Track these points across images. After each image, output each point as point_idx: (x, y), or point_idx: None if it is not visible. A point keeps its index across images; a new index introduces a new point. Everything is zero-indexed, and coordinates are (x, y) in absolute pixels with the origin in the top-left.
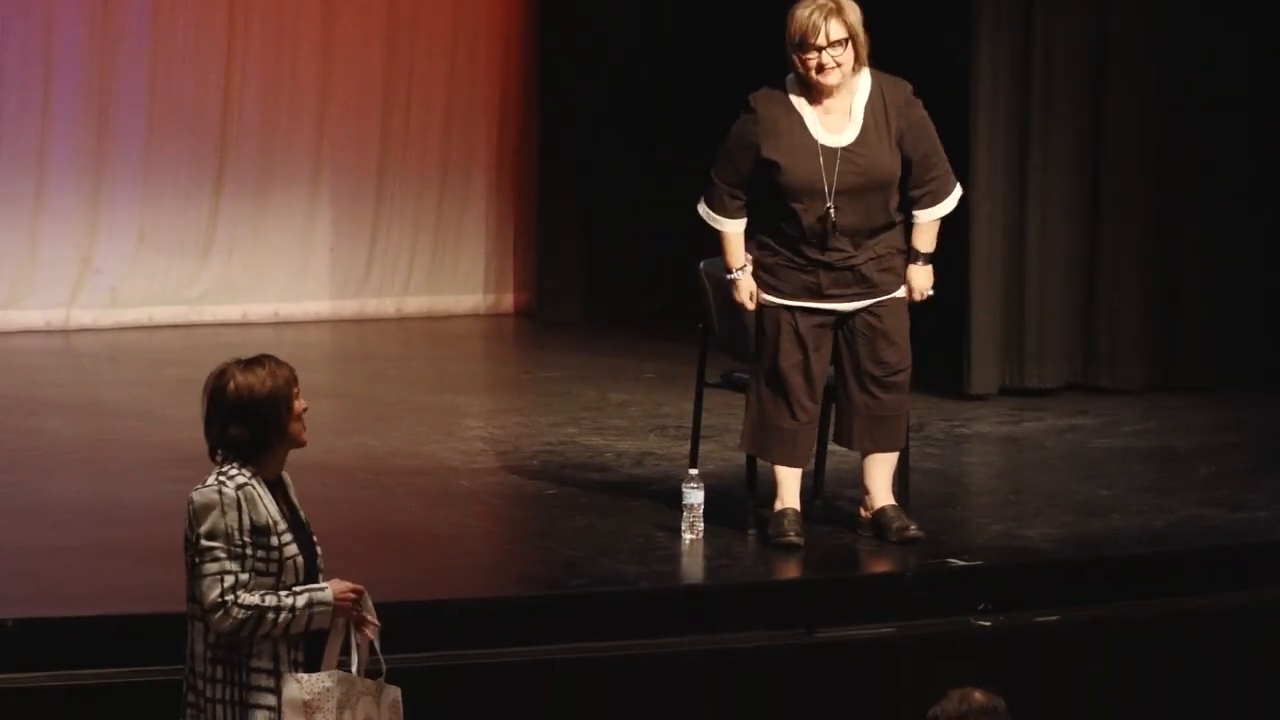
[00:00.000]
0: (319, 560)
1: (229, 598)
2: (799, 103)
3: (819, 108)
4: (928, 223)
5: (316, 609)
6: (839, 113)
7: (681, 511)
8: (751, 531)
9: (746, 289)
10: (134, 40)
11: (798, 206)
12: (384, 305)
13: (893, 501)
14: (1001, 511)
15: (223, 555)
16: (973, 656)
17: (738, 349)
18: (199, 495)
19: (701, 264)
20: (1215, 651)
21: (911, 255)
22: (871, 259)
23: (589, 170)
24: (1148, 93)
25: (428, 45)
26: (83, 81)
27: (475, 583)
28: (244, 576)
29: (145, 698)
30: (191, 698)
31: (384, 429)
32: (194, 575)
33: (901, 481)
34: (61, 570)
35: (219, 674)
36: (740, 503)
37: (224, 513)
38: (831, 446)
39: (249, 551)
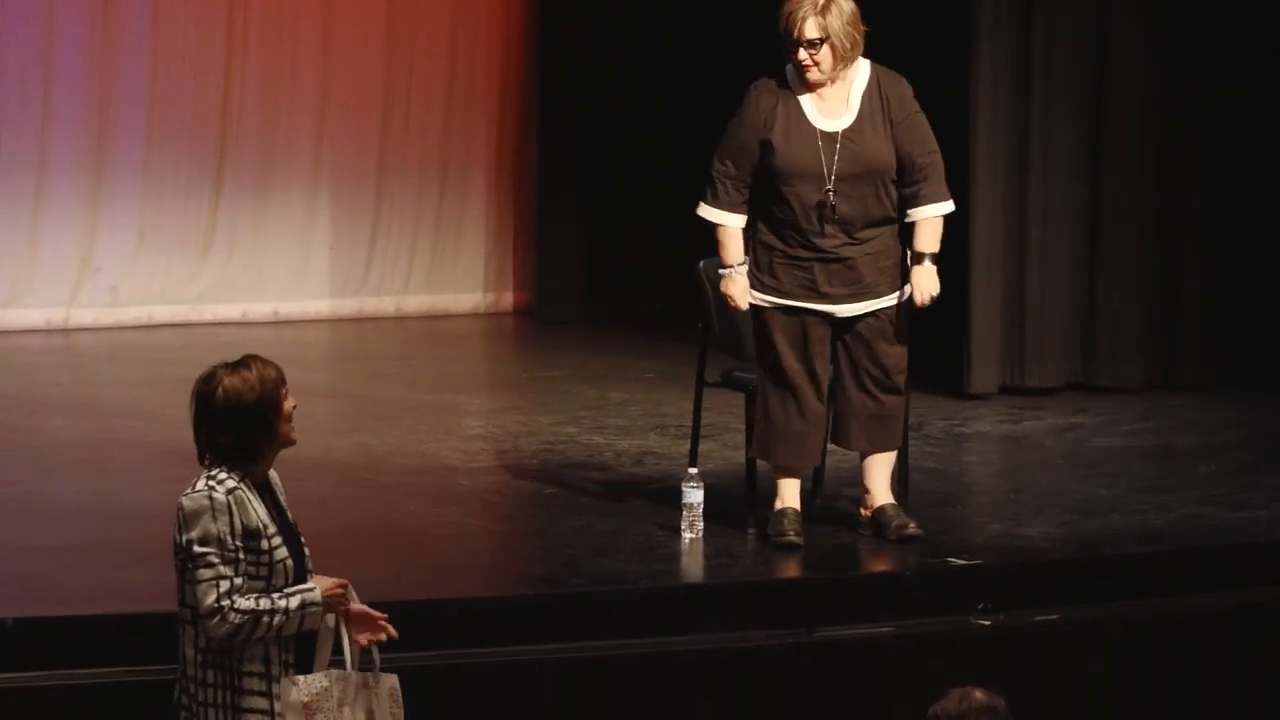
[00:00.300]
0: (307, 561)
1: (225, 603)
2: (797, 90)
3: (815, 95)
4: (927, 220)
5: (309, 610)
6: (836, 100)
7: (681, 510)
8: (751, 531)
9: (740, 287)
10: (134, 40)
11: (795, 191)
12: (384, 304)
13: (892, 500)
14: (1001, 510)
15: (216, 560)
16: (972, 656)
17: (737, 348)
18: (189, 501)
19: (701, 264)
20: (1215, 651)
21: (914, 256)
22: (868, 255)
23: (589, 170)
24: (1148, 93)
25: (428, 44)
26: (83, 81)
27: (475, 582)
28: (238, 581)
29: (144, 697)
30: (184, 701)
31: (384, 428)
32: (187, 581)
33: (901, 480)
34: (61, 569)
35: (210, 678)
36: (740, 502)
37: (215, 518)
38: (831, 446)
39: (241, 556)
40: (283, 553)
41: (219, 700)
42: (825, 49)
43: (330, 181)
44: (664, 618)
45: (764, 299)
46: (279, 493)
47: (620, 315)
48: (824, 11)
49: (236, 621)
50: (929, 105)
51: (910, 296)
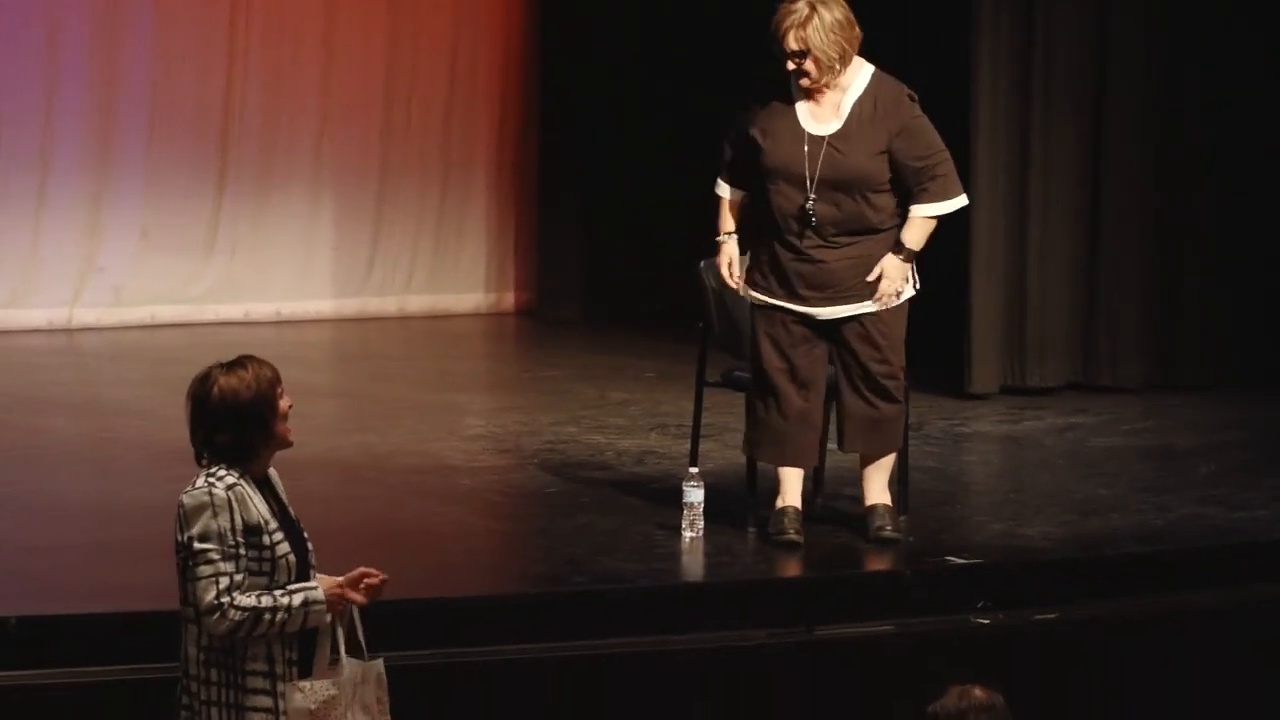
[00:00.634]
0: (310, 556)
1: (224, 600)
2: (796, 91)
3: (811, 100)
4: (919, 219)
5: (312, 608)
6: (829, 105)
7: (682, 509)
8: (751, 529)
9: (726, 255)
10: (137, 40)
11: (779, 191)
12: (386, 304)
13: (884, 501)
14: (1001, 510)
15: (216, 557)
16: (972, 654)
17: (736, 348)
18: (189, 498)
19: (701, 264)
20: (1214, 649)
21: (895, 246)
22: (847, 260)
23: (589, 170)
24: (1147, 93)
25: (429, 44)
26: (86, 81)
27: (477, 580)
28: (239, 578)
29: (145, 696)
30: (186, 699)
31: (386, 427)
32: (187, 578)
33: (902, 480)
34: (63, 568)
35: (213, 676)
36: (740, 501)
37: (215, 515)
38: (831, 445)
39: (242, 552)
40: (284, 548)
41: (222, 699)
42: (809, 61)
43: (332, 182)
44: (664, 616)
45: (755, 296)
46: (279, 489)
47: (620, 315)
48: (804, 25)
49: (236, 619)
50: (930, 105)
51: (905, 303)
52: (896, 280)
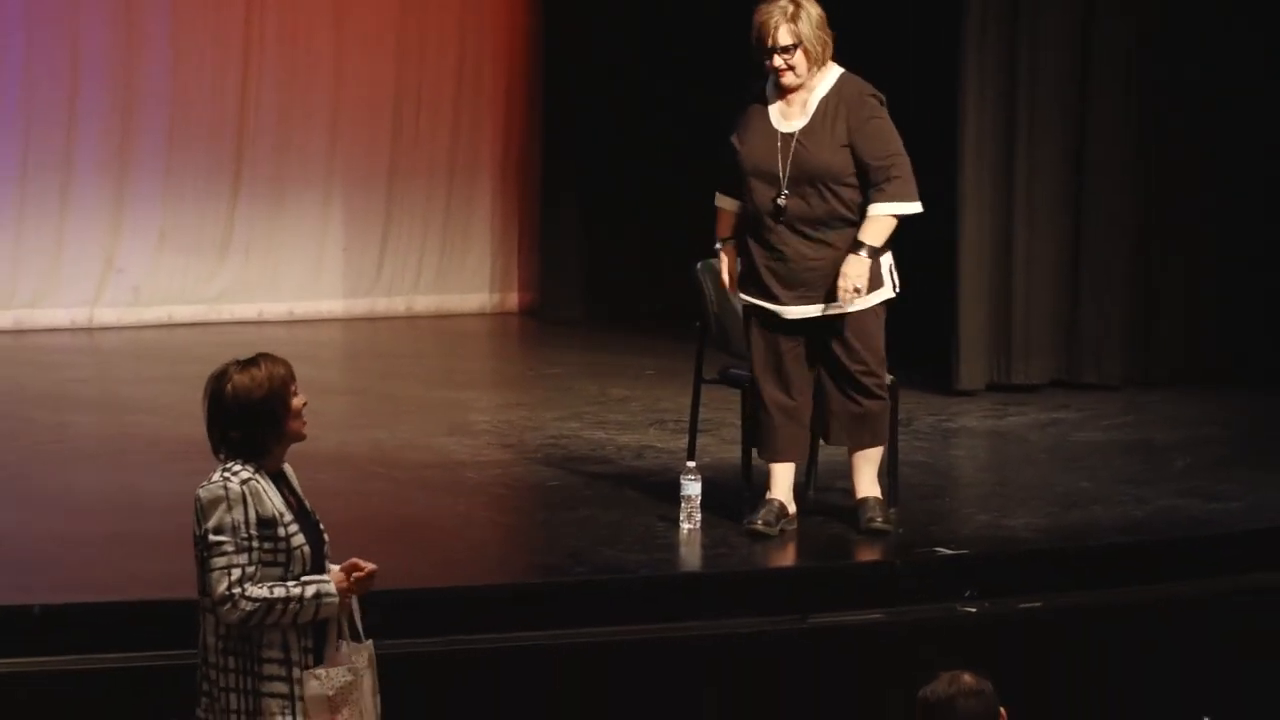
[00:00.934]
0: (326, 548)
1: (236, 590)
2: (770, 95)
3: (783, 100)
4: (877, 216)
5: (324, 600)
6: (798, 104)
7: (680, 502)
8: (747, 521)
9: (724, 262)
10: (155, 48)
11: (755, 190)
12: (394, 304)
13: (874, 494)
14: (987, 502)
15: (230, 549)
16: (959, 641)
17: (732, 346)
18: (205, 492)
19: (699, 264)
20: (1191, 636)
21: (853, 244)
22: (820, 259)
23: (589, 170)
24: (1130, 100)
25: (437, 48)
26: (107, 88)
27: (482, 571)
28: (251, 569)
29: (164, 681)
30: (205, 687)
31: (394, 423)
32: (203, 570)
33: (891, 474)
34: (84, 559)
35: (231, 664)
36: (736, 494)
37: (230, 508)
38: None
39: (255, 544)
40: (299, 539)
41: (240, 685)
42: (799, 53)
43: (343, 185)
44: (663, 605)
45: (742, 296)
46: (294, 483)
47: (621, 314)
48: (794, 18)
49: (248, 609)
50: (920, 113)
51: (881, 304)
52: (854, 278)
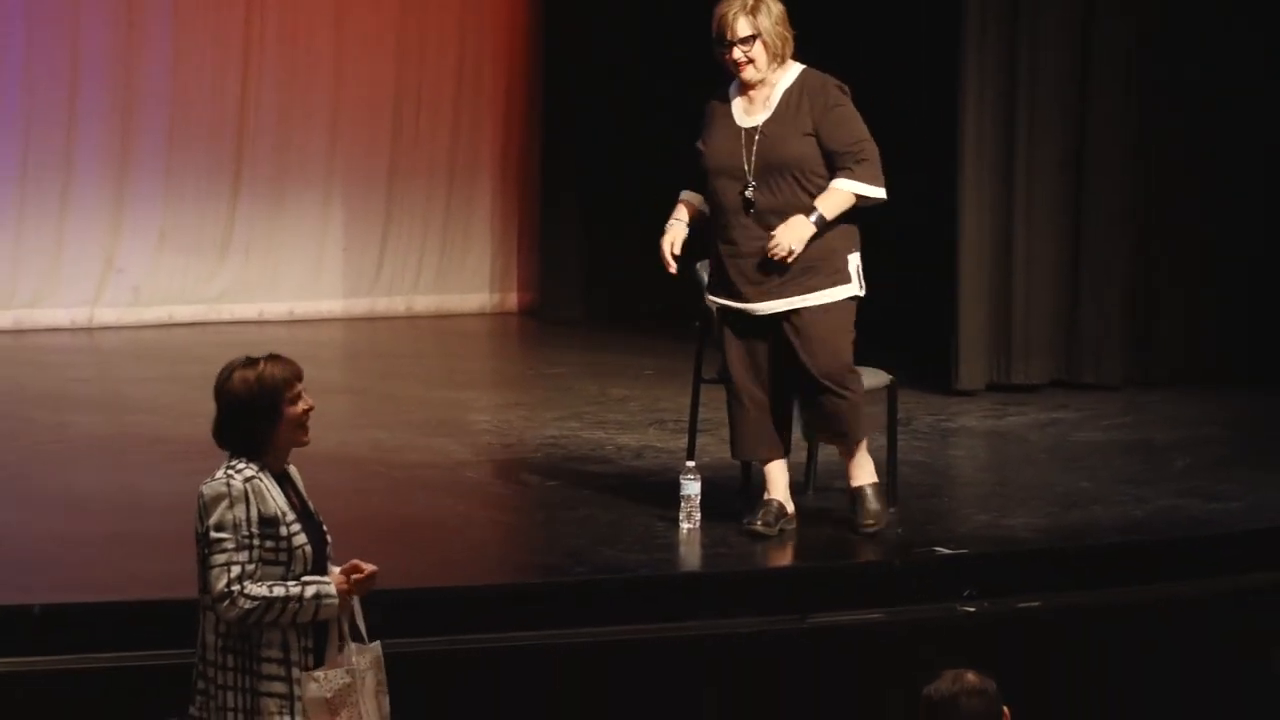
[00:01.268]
0: (329, 549)
1: (235, 588)
2: (733, 93)
3: (745, 97)
4: (837, 189)
5: (324, 601)
6: (760, 99)
7: (679, 502)
8: (746, 522)
9: (666, 238)
10: (155, 48)
11: (719, 187)
12: (394, 304)
13: (866, 483)
14: (986, 502)
15: (230, 546)
16: (958, 641)
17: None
18: (208, 489)
19: (698, 264)
20: (1190, 636)
21: (807, 209)
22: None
23: (589, 170)
24: (1131, 97)
25: (437, 49)
26: (107, 88)
27: (481, 570)
28: (250, 567)
29: (163, 681)
30: (202, 685)
31: (394, 423)
32: (204, 566)
33: (890, 473)
34: (85, 559)
35: (230, 662)
36: (736, 494)
37: (232, 505)
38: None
39: (256, 542)
40: (301, 539)
41: (238, 684)
42: (758, 46)
43: (343, 185)
44: (663, 605)
45: (711, 299)
46: (299, 483)
47: (620, 314)
48: (754, 11)
49: (246, 606)
50: (920, 115)
51: (843, 301)
52: (790, 239)
